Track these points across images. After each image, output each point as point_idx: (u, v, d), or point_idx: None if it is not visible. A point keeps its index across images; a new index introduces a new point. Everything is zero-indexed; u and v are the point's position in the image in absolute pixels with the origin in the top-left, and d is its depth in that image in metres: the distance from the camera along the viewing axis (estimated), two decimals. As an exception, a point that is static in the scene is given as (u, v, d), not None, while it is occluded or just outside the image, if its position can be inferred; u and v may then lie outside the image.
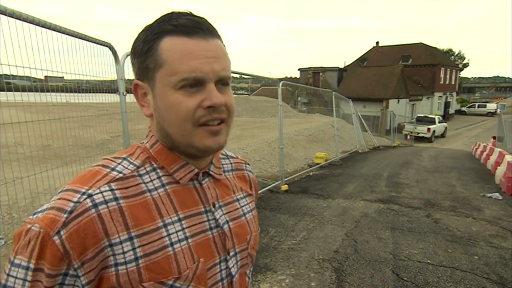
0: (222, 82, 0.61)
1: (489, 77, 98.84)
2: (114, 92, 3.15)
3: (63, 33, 2.41)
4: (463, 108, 40.78)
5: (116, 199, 0.57)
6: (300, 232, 4.15)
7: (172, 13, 0.61)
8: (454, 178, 7.88)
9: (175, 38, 0.58)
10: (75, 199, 0.55)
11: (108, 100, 3.48)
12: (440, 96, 32.91)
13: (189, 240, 0.62)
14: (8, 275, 0.53)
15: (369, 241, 3.91)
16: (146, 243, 0.58)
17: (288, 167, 7.84)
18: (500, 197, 6.07)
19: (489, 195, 6.22)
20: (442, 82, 32.44)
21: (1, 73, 2.07)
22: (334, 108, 10.49)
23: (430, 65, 30.40)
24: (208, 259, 0.64)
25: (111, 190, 0.58)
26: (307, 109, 24.19)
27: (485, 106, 39.97)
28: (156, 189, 0.62)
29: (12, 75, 2.25)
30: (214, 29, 0.62)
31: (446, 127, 23.36)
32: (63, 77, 3.01)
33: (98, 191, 0.57)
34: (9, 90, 2.30)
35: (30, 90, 2.58)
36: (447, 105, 34.55)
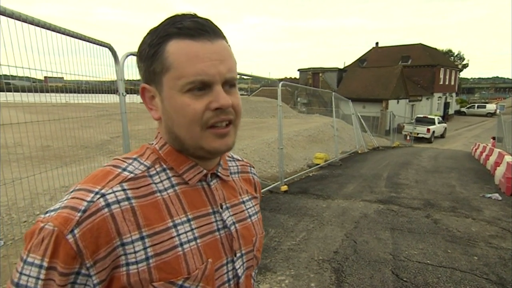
0: (229, 84, 0.62)
1: (488, 78, 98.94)
2: (114, 93, 3.15)
3: (63, 33, 2.41)
4: (463, 109, 40.81)
5: (128, 199, 0.58)
6: (300, 232, 4.15)
7: (176, 15, 0.61)
8: (453, 179, 7.88)
9: (180, 41, 0.59)
10: (89, 199, 0.55)
11: (107, 100, 3.48)
12: (439, 97, 32.94)
13: (198, 241, 0.63)
14: (21, 273, 0.53)
15: (368, 242, 3.91)
16: (157, 242, 0.58)
17: (288, 167, 7.84)
18: (500, 198, 6.08)
19: (489, 195, 6.23)
20: (441, 83, 32.47)
21: (1, 74, 2.07)
22: (334, 109, 10.49)
23: (430, 66, 30.43)
24: (216, 259, 0.65)
25: (123, 190, 0.58)
26: (306, 110, 24.19)
27: (484, 107, 40.00)
28: (166, 189, 0.63)
29: (12, 76, 2.25)
30: (219, 30, 0.62)
31: (445, 128, 23.38)
32: (62, 77, 3.00)
33: (110, 190, 0.57)
34: (9, 90, 2.30)
35: (30, 91, 2.58)
36: (446, 105, 34.58)
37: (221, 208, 0.69)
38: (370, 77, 25.94)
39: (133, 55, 3.20)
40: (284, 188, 6.02)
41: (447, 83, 33.95)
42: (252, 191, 0.81)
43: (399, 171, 8.57)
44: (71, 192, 0.58)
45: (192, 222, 0.63)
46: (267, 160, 7.84)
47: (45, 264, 0.52)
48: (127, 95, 3.13)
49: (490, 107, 39.51)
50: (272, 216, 4.68)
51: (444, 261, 3.47)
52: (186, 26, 0.59)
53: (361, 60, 33.69)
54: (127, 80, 3.18)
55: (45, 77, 2.82)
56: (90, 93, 3.47)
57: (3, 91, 2.24)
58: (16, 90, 2.36)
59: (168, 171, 0.65)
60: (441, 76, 32.28)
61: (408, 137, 20.07)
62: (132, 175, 0.61)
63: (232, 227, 0.69)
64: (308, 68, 30.66)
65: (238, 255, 0.69)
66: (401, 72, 25.62)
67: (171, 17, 0.62)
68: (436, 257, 3.57)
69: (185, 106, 0.59)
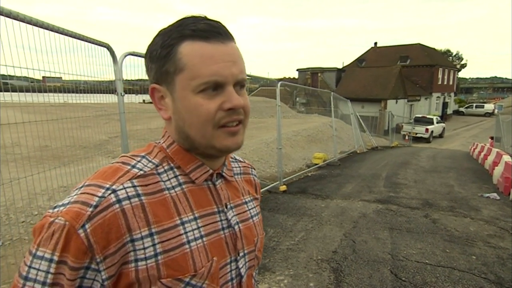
0: (239, 85, 0.63)
1: (486, 78, 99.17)
2: (112, 93, 3.14)
3: (61, 33, 2.40)
4: (461, 109, 40.90)
5: (138, 195, 0.59)
6: (299, 232, 4.15)
7: (189, 17, 0.62)
8: (452, 178, 7.90)
9: (194, 42, 0.60)
10: (100, 194, 0.56)
11: (106, 100, 3.47)
12: (438, 97, 33.01)
13: (204, 239, 0.64)
14: (30, 267, 0.53)
15: (367, 242, 3.92)
16: (166, 239, 0.59)
17: (287, 167, 7.84)
18: (498, 197, 6.10)
19: (487, 195, 6.24)
20: (440, 83, 32.54)
21: (-1, 74, 2.06)
22: (333, 109, 10.51)
23: (428, 66, 30.49)
24: (221, 258, 0.66)
25: (133, 186, 0.59)
26: (305, 110, 24.20)
27: (482, 107, 40.10)
28: (173, 187, 0.64)
29: (10, 76, 2.25)
30: (230, 32, 0.64)
31: (444, 128, 23.43)
32: (61, 77, 3.00)
33: (121, 187, 0.58)
34: (7, 90, 2.29)
35: (28, 91, 2.57)
36: (445, 105, 34.65)
37: (226, 207, 0.70)
38: (368, 77, 25.97)
39: (132, 55, 3.20)
40: (283, 188, 6.02)
41: (445, 83, 34.02)
42: (253, 192, 0.83)
43: (397, 171, 8.59)
44: (81, 187, 0.58)
45: (198, 221, 0.64)
46: (266, 160, 7.85)
47: (55, 258, 0.52)
48: (126, 95, 3.12)
49: (489, 107, 39.61)
50: (271, 216, 4.68)
51: (442, 261, 3.48)
52: (200, 28, 0.60)
53: (359, 60, 33.73)
54: (126, 80, 3.18)
55: (43, 77, 2.82)
56: (88, 93, 3.46)
57: (1, 91, 2.23)
58: (14, 90, 2.35)
59: (175, 169, 0.66)
60: (440, 76, 32.35)
61: (406, 137, 20.11)
62: (141, 172, 0.62)
63: (236, 227, 0.70)
64: (307, 68, 30.69)
65: (241, 254, 0.70)
66: (400, 72, 25.66)
67: (182, 19, 0.63)
68: (435, 256, 3.58)
69: (198, 106, 0.60)
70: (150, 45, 0.64)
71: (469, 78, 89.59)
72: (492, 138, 14.35)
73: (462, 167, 9.84)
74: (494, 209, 5.43)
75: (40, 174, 2.57)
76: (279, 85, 6.60)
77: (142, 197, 0.59)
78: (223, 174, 0.72)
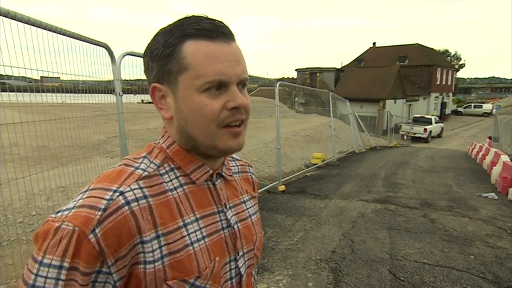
0: (241, 84, 0.63)
1: (484, 78, 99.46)
2: (111, 93, 3.13)
3: (59, 33, 2.40)
4: (459, 109, 41.00)
5: (145, 197, 0.59)
6: (298, 232, 4.15)
7: (190, 17, 0.62)
8: (450, 178, 7.92)
9: (199, 42, 0.59)
10: (108, 197, 0.55)
11: (104, 100, 3.47)
12: (436, 97, 33.08)
13: (206, 240, 0.64)
14: (37, 275, 0.52)
15: (366, 241, 3.92)
16: (171, 241, 0.59)
17: (285, 167, 7.84)
18: (496, 197, 6.11)
19: (485, 195, 6.26)
20: (438, 83, 32.62)
21: (-3, 74, 2.06)
22: (331, 109, 10.51)
23: (427, 66, 30.56)
24: (221, 258, 0.66)
25: (140, 188, 0.59)
26: (304, 110, 24.21)
27: (481, 107, 40.21)
28: (175, 188, 0.64)
29: (8, 76, 2.24)
30: (232, 32, 0.64)
31: (442, 128, 23.49)
32: (59, 77, 2.99)
33: (128, 188, 0.58)
34: (4, 90, 2.28)
35: (26, 91, 2.56)
36: (443, 105, 34.73)
37: (225, 207, 0.70)
38: (367, 77, 26.01)
39: (130, 55, 3.19)
40: (282, 188, 6.03)
41: (444, 83, 34.10)
42: (251, 191, 0.83)
43: (396, 171, 8.60)
44: (85, 191, 0.57)
45: (200, 221, 0.64)
46: (264, 160, 7.85)
47: (65, 264, 0.51)
48: (124, 95, 3.12)
49: (487, 107, 39.72)
50: (269, 216, 4.68)
51: (441, 260, 3.49)
52: (204, 28, 0.60)
53: (358, 60, 33.78)
54: (124, 80, 3.17)
55: (41, 77, 2.81)
56: (87, 93, 3.45)
57: (-1, 91, 2.22)
58: (12, 90, 2.34)
59: (175, 170, 0.65)
60: (438, 76, 32.42)
61: (405, 137, 20.15)
62: (146, 173, 0.62)
63: (235, 226, 0.71)
64: (306, 68, 30.71)
65: (240, 253, 0.71)
66: (398, 72, 25.71)
67: (183, 18, 0.62)
68: (433, 256, 3.58)
69: (202, 105, 0.60)
70: (150, 44, 0.63)
71: (468, 78, 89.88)
72: (490, 138, 14.40)
73: (460, 167, 9.86)
74: (492, 208, 5.44)
75: (38, 174, 2.56)
76: (277, 85, 6.60)
77: (149, 199, 0.59)
78: (223, 174, 0.72)
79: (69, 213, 0.54)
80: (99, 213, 0.53)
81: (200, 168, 0.67)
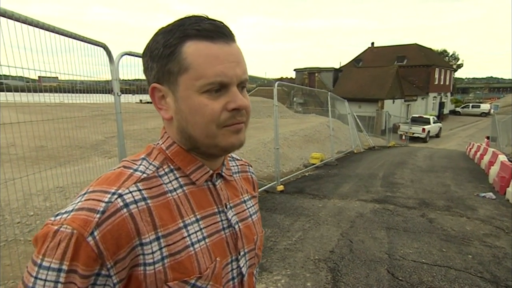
0: (241, 85, 0.63)
1: (482, 78, 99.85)
2: (109, 93, 3.13)
3: (57, 33, 2.39)
4: (457, 109, 41.11)
5: (144, 199, 0.59)
6: (296, 232, 4.16)
7: (190, 17, 0.62)
8: (448, 178, 7.94)
9: (199, 42, 0.59)
10: (106, 199, 0.55)
11: (102, 100, 3.46)
12: (434, 97, 33.16)
13: (207, 240, 0.64)
14: (36, 278, 0.52)
15: (364, 241, 3.93)
16: (172, 243, 0.59)
17: (284, 167, 7.85)
18: (494, 197, 6.13)
19: (483, 194, 6.28)
20: (436, 83, 32.69)
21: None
22: (330, 109, 10.52)
23: (425, 66, 30.62)
24: (223, 258, 0.66)
25: (139, 190, 0.59)
26: (302, 110, 24.21)
27: (479, 107, 40.34)
28: (175, 189, 0.64)
29: (5, 76, 2.23)
30: (232, 33, 0.64)
31: (440, 127, 23.54)
32: (57, 77, 2.98)
33: (127, 191, 0.57)
34: (1, 90, 2.27)
35: (23, 91, 2.55)
36: (441, 105, 34.81)
37: (226, 207, 0.70)
38: (365, 77, 26.04)
39: (128, 55, 3.19)
40: (280, 188, 6.03)
41: (442, 83, 34.19)
42: (251, 190, 0.83)
43: (394, 171, 8.61)
44: (84, 194, 0.57)
45: (200, 222, 0.64)
46: (263, 160, 7.85)
47: (64, 267, 0.51)
48: (122, 95, 3.11)
49: (485, 107, 39.85)
50: (268, 216, 4.68)
51: (439, 260, 3.49)
52: (205, 28, 0.59)
53: (356, 60, 33.82)
54: (122, 80, 3.17)
55: (39, 76, 2.80)
56: (85, 93, 3.44)
57: (-3, 90, 2.22)
58: (9, 90, 2.33)
59: (175, 171, 0.65)
60: (436, 76, 32.50)
61: (403, 137, 20.19)
62: (144, 175, 0.61)
63: (236, 226, 0.70)
64: (304, 68, 30.72)
65: (241, 253, 0.71)
66: (397, 72, 25.75)
67: (183, 18, 0.62)
68: (431, 256, 3.59)
69: (202, 106, 0.60)
70: (150, 43, 0.63)
71: (466, 78, 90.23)
72: (488, 138, 14.43)
73: (458, 166, 9.89)
74: (490, 208, 5.46)
75: (36, 174, 2.55)
76: (276, 85, 6.60)
77: (148, 201, 0.59)
78: (223, 174, 0.72)
79: (68, 216, 0.54)
80: (98, 215, 0.53)
81: (200, 168, 0.66)
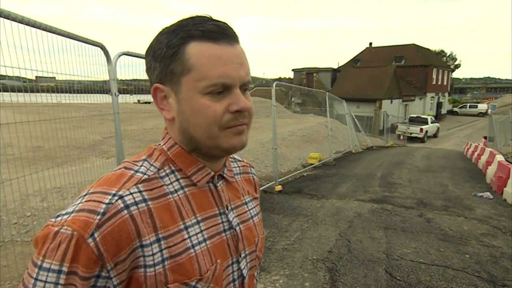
0: (244, 87, 0.63)
1: (480, 78, 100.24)
2: (107, 93, 3.12)
3: (54, 33, 2.38)
4: (455, 109, 41.24)
5: (144, 200, 0.58)
6: (294, 232, 4.16)
7: (194, 17, 0.61)
8: (446, 178, 7.96)
9: (203, 43, 0.59)
10: (107, 201, 0.55)
11: (100, 100, 3.45)
12: (432, 97, 33.26)
13: (207, 242, 0.64)
14: (36, 279, 0.52)
15: (362, 241, 3.93)
16: (172, 244, 0.59)
17: (282, 167, 7.85)
18: (491, 196, 6.16)
19: (480, 194, 6.30)
20: (434, 83, 32.80)
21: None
22: (328, 109, 10.53)
23: (423, 66, 30.72)
24: (223, 260, 0.66)
25: (139, 191, 0.59)
26: (301, 110, 24.22)
27: (476, 107, 40.48)
28: (176, 191, 0.63)
29: (2, 75, 2.22)
30: (236, 34, 0.63)
31: (438, 127, 23.62)
32: (54, 77, 2.97)
33: (128, 192, 0.57)
34: (-2, 90, 2.26)
35: (20, 91, 2.54)
36: (439, 105, 34.93)
37: (227, 209, 0.70)
38: (363, 77, 26.09)
39: (126, 55, 3.18)
40: (279, 188, 6.03)
41: (439, 83, 34.30)
42: (253, 192, 0.83)
43: (392, 171, 8.63)
44: (85, 195, 0.57)
45: (201, 224, 0.64)
46: (261, 160, 7.84)
47: (64, 269, 0.51)
48: (120, 95, 3.10)
49: (482, 107, 40.00)
50: (266, 216, 4.68)
51: (436, 260, 3.50)
52: (209, 29, 0.59)
53: (354, 60, 33.88)
54: (120, 80, 3.16)
55: (36, 76, 2.79)
56: (82, 93, 3.43)
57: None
58: (6, 90, 2.32)
59: (176, 173, 0.65)
60: (434, 76, 32.60)
61: (401, 137, 20.24)
62: (145, 176, 0.61)
63: (237, 228, 0.70)
64: (302, 68, 30.73)
65: (242, 255, 0.70)
66: (395, 72, 25.82)
67: (188, 19, 0.61)
68: (429, 255, 3.60)
69: (205, 107, 0.59)
70: (153, 43, 0.63)
71: (463, 78, 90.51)
72: (485, 137, 14.49)
73: (456, 166, 9.92)
74: (487, 208, 5.48)
75: (33, 175, 2.54)
76: (274, 85, 6.61)
77: (149, 202, 0.59)
78: (224, 175, 0.71)
79: (68, 217, 0.54)
80: (98, 217, 0.53)
81: (201, 170, 0.66)
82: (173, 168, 0.65)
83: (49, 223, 0.54)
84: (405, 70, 30.71)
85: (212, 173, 0.68)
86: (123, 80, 3.33)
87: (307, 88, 20.89)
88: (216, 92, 0.59)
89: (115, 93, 3.02)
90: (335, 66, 30.94)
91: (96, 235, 0.52)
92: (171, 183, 0.63)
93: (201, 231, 0.63)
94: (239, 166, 0.83)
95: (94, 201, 0.55)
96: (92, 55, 2.89)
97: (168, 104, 0.64)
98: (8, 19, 1.96)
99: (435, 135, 22.93)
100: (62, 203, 3.71)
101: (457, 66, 50.27)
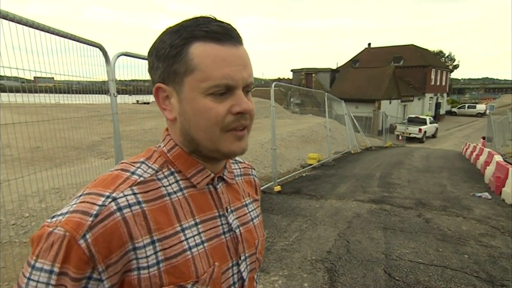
0: (247, 89, 0.63)
1: (478, 79, 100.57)
2: (105, 93, 3.11)
3: (52, 33, 2.38)
4: (454, 109, 41.35)
5: (139, 203, 0.58)
6: (293, 233, 4.16)
7: (200, 18, 0.61)
8: (444, 178, 7.98)
9: (206, 44, 0.59)
10: (100, 202, 0.55)
11: (99, 101, 3.44)
12: (431, 97, 33.34)
13: (205, 244, 0.63)
14: (29, 279, 0.52)
15: (361, 241, 3.94)
16: (168, 247, 0.58)
17: (281, 168, 7.85)
18: (489, 197, 6.17)
19: (479, 194, 6.32)
20: (433, 83, 32.88)
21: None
22: (327, 109, 10.54)
23: (421, 67, 30.79)
24: (222, 263, 0.65)
25: (134, 194, 0.58)
26: (300, 110, 24.24)
27: (474, 107, 40.60)
28: (174, 193, 0.63)
29: (0, 76, 2.21)
30: (240, 35, 0.63)
31: (437, 128, 23.67)
32: (53, 78, 2.96)
33: (121, 194, 0.57)
34: (-3, 91, 2.26)
35: (19, 91, 2.53)
36: (438, 106, 35.01)
37: (227, 211, 0.69)
38: (362, 77, 26.14)
39: (125, 55, 3.18)
40: (278, 188, 6.03)
41: (438, 83, 34.38)
42: (253, 194, 0.82)
43: (391, 171, 8.65)
44: (80, 196, 0.57)
45: (199, 226, 0.63)
46: (260, 161, 7.85)
47: (55, 269, 0.51)
48: (119, 96, 3.10)
49: (480, 107, 40.11)
50: (265, 217, 4.68)
51: (435, 260, 3.51)
52: (213, 30, 0.59)
53: (353, 60, 33.93)
54: (119, 80, 3.15)
55: (34, 77, 2.78)
56: (81, 93, 3.43)
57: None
58: (4, 91, 2.32)
59: (176, 174, 0.65)
60: (433, 76, 32.68)
61: (400, 137, 20.28)
62: (141, 178, 0.61)
63: (237, 230, 0.70)
64: (301, 69, 30.77)
65: (242, 258, 0.70)
66: (393, 72, 25.87)
67: (192, 19, 0.61)
68: (428, 256, 3.61)
69: (207, 108, 0.59)
70: (156, 43, 0.62)
71: (461, 79, 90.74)
72: (484, 138, 14.53)
73: (454, 167, 9.94)
74: (486, 208, 5.49)
75: (31, 175, 2.54)
76: (273, 85, 6.61)
77: (143, 205, 0.58)
78: (224, 177, 0.71)
79: (62, 218, 0.54)
80: (91, 218, 0.53)
81: (201, 172, 0.66)
82: (172, 169, 0.65)
83: (45, 224, 0.55)
84: (403, 71, 30.78)
85: (212, 175, 0.67)
86: (122, 80, 3.33)
87: (306, 89, 20.94)
88: (219, 93, 0.59)
89: (114, 94, 3.01)
90: (334, 67, 31.01)
91: (88, 236, 0.52)
92: (170, 184, 0.63)
93: (199, 233, 0.63)
94: (240, 168, 0.82)
95: (88, 202, 0.55)
96: (91, 56, 2.88)
97: (170, 104, 0.64)
98: (6, 19, 1.96)
99: (433, 136, 22.97)
100: (60, 204, 3.70)
101: (456, 67, 50.41)
